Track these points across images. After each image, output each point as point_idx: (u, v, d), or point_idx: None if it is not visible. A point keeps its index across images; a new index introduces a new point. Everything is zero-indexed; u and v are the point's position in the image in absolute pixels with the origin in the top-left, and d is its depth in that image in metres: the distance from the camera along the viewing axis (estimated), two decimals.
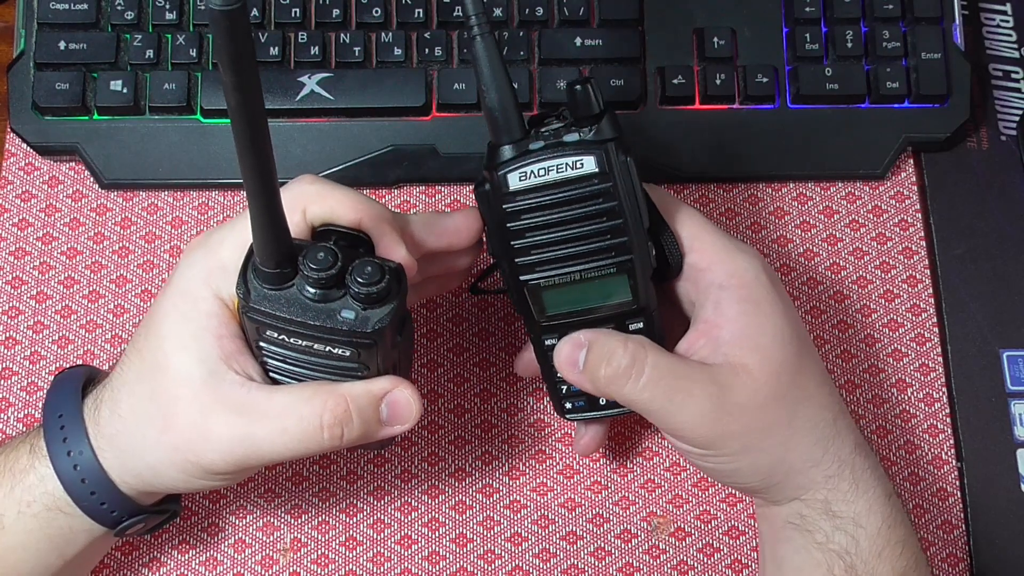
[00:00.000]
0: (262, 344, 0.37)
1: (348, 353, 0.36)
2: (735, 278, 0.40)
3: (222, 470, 0.38)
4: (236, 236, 0.38)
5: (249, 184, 0.31)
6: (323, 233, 0.38)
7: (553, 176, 0.37)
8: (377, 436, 0.38)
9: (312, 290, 0.35)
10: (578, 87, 0.37)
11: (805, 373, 0.41)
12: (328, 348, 0.36)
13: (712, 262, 0.41)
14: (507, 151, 0.37)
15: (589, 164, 0.37)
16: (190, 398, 0.37)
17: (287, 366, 0.38)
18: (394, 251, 0.38)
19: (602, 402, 0.43)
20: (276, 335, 0.36)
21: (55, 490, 0.39)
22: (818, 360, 0.42)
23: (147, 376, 0.38)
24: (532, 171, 0.37)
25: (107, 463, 0.39)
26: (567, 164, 0.37)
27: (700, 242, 0.41)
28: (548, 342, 0.41)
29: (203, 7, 0.51)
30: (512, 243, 0.38)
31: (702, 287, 0.41)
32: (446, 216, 0.43)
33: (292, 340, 0.36)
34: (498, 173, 0.37)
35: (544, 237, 0.38)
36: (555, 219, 0.38)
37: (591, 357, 0.40)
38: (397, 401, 0.38)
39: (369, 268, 0.35)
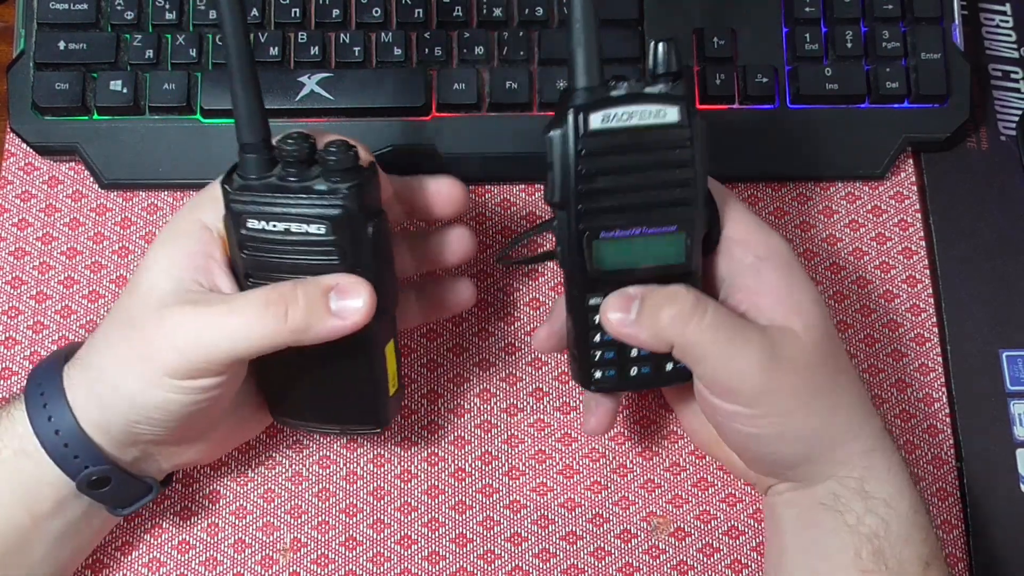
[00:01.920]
0: (245, 245, 0.38)
1: (323, 231, 0.37)
2: (771, 250, 0.41)
3: (177, 368, 0.37)
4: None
5: (234, 61, 0.36)
6: None
7: (635, 122, 0.37)
8: (325, 325, 0.38)
9: (289, 170, 0.37)
10: (660, 44, 0.38)
11: (840, 347, 0.42)
12: (305, 228, 0.37)
13: (747, 235, 0.41)
14: (589, 93, 0.38)
15: (672, 114, 0.37)
16: (154, 304, 0.38)
17: (267, 272, 0.39)
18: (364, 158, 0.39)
19: (632, 372, 0.43)
20: (257, 225, 0.38)
21: (24, 432, 0.40)
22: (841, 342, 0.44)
23: (122, 300, 0.40)
24: (615, 114, 0.37)
25: (75, 400, 0.39)
26: (651, 112, 0.37)
27: (735, 216, 0.42)
28: (592, 301, 0.41)
29: (203, 7, 0.51)
30: (579, 187, 0.38)
31: (738, 258, 0.41)
32: (429, 178, 0.44)
33: (271, 226, 0.37)
34: (580, 113, 0.37)
35: (616, 182, 0.38)
36: (631, 163, 0.38)
37: (649, 304, 0.39)
38: (345, 287, 0.38)
39: (338, 142, 0.37)
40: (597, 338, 0.42)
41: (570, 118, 0.37)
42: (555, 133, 0.38)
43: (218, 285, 0.39)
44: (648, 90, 0.38)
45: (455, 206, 0.44)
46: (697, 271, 0.41)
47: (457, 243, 0.45)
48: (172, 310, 0.38)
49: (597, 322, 0.41)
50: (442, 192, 0.43)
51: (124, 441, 0.40)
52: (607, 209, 0.39)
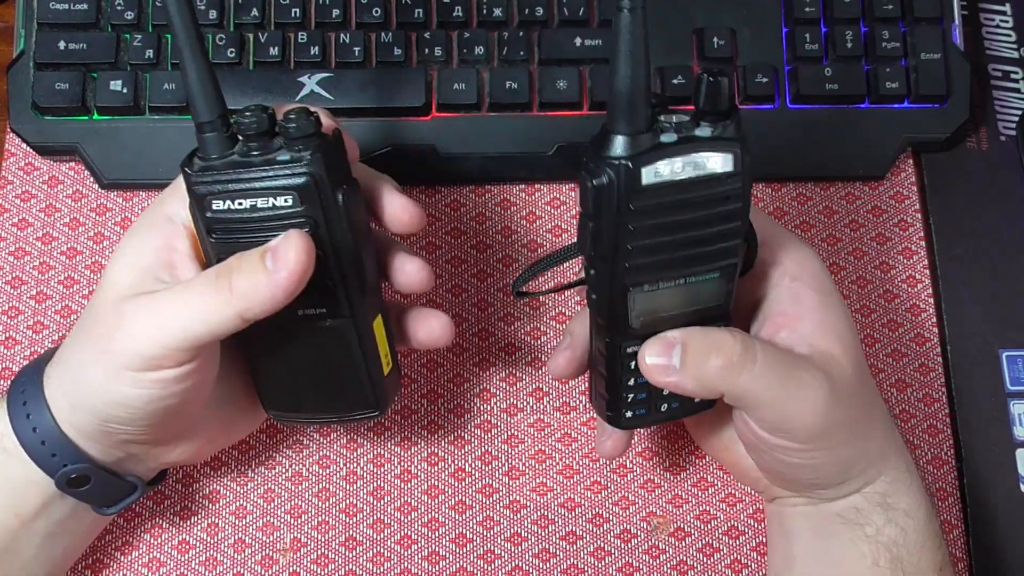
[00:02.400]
0: (213, 229, 0.37)
1: (291, 202, 0.36)
2: (805, 269, 0.40)
3: (133, 360, 0.37)
4: None
5: (181, 36, 0.35)
6: None
7: (689, 174, 0.34)
8: (268, 286, 0.35)
9: (251, 145, 0.36)
10: (711, 79, 0.34)
11: (867, 366, 0.41)
12: (271, 202, 0.36)
13: (780, 255, 0.40)
14: (634, 142, 0.34)
15: (727, 163, 0.34)
16: (113, 299, 0.38)
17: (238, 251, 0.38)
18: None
19: (663, 408, 0.41)
20: (222, 205, 0.36)
21: (5, 430, 0.40)
22: None
23: (92, 298, 0.40)
24: (669, 167, 0.34)
25: (51, 397, 0.39)
26: (705, 161, 0.34)
27: (766, 235, 0.40)
28: (631, 349, 0.39)
29: (203, 7, 0.51)
30: (629, 244, 0.35)
31: (773, 280, 0.40)
32: (391, 191, 0.41)
33: (237, 204, 0.36)
34: (630, 165, 0.33)
35: (666, 239, 0.35)
36: (684, 220, 0.35)
37: (692, 352, 0.37)
38: (276, 245, 0.36)
39: (298, 109, 0.36)
40: (631, 382, 0.40)
41: (621, 171, 0.33)
42: (600, 183, 0.34)
43: (181, 277, 0.38)
44: (699, 133, 0.34)
45: (406, 229, 0.41)
46: (731, 307, 0.39)
47: (410, 276, 0.42)
48: (128, 302, 0.37)
49: (632, 367, 0.39)
50: (399, 215, 0.41)
51: (101, 441, 0.40)
52: (654, 264, 0.36)
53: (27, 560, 0.42)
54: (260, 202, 0.36)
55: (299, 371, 0.42)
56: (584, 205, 0.35)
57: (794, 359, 0.38)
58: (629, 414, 0.41)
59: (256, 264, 0.36)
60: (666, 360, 0.38)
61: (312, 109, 0.36)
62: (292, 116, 0.36)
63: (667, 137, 0.34)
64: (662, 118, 0.35)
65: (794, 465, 0.40)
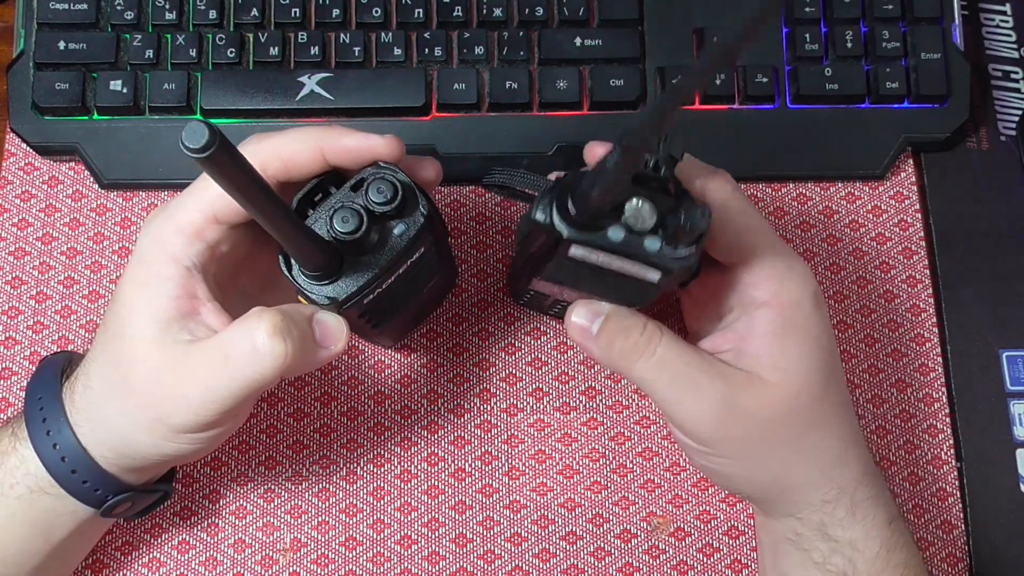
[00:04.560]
0: (372, 319, 0.40)
1: (424, 249, 0.39)
2: (777, 299, 0.39)
3: (184, 424, 0.37)
4: (195, 198, 0.38)
5: (277, 229, 0.33)
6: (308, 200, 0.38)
7: (616, 266, 0.36)
8: (315, 358, 0.37)
9: (372, 248, 0.37)
10: (700, 212, 0.34)
11: (826, 401, 0.40)
12: (416, 255, 0.38)
13: (761, 280, 0.39)
14: (581, 228, 0.34)
15: (653, 276, 0.36)
16: (143, 359, 0.37)
17: (390, 311, 0.41)
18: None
19: (555, 310, 0.45)
20: (371, 296, 0.38)
21: (37, 471, 0.39)
22: (844, 391, 0.42)
23: (109, 344, 0.39)
24: (597, 257, 0.35)
25: (85, 439, 0.39)
26: (634, 270, 0.36)
27: (757, 256, 0.39)
28: (535, 287, 0.42)
29: (203, 7, 0.51)
30: (543, 275, 0.39)
31: (745, 300, 0.40)
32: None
33: (385, 285, 0.38)
34: (566, 234, 0.34)
35: (580, 284, 0.39)
36: (598, 284, 0.38)
37: (608, 328, 0.39)
38: (325, 321, 0.37)
39: (377, 182, 0.37)
40: (528, 296, 0.44)
41: (556, 237, 0.35)
42: (534, 221, 0.35)
43: (210, 324, 0.38)
44: (648, 244, 0.35)
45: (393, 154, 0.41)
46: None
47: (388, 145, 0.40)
48: (168, 369, 0.37)
49: (532, 294, 0.43)
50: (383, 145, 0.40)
51: (144, 473, 0.42)
52: (564, 283, 0.40)
53: (51, 574, 0.43)
54: (401, 271, 0.38)
55: (415, 313, 0.47)
56: (521, 226, 0.38)
57: (699, 362, 0.39)
58: (525, 299, 0.46)
59: (308, 332, 0.37)
60: (588, 323, 0.40)
61: (383, 177, 0.37)
62: (380, 189, 0.37)
63: (616, 234, 0.34)
64: (638, 202, 0.34)
65: (706, 468, 0.41)
